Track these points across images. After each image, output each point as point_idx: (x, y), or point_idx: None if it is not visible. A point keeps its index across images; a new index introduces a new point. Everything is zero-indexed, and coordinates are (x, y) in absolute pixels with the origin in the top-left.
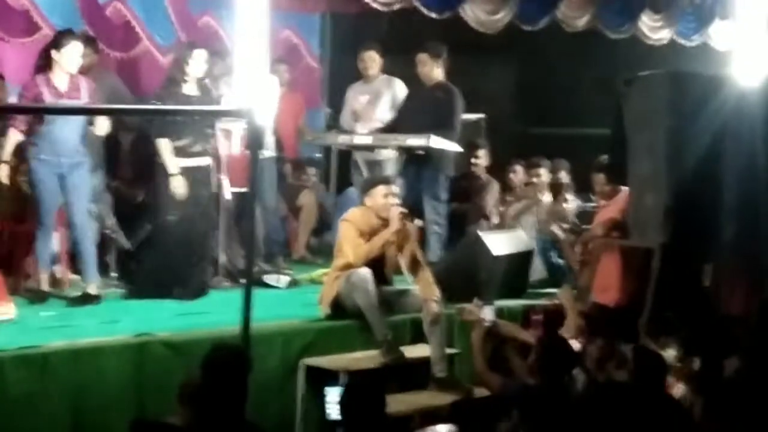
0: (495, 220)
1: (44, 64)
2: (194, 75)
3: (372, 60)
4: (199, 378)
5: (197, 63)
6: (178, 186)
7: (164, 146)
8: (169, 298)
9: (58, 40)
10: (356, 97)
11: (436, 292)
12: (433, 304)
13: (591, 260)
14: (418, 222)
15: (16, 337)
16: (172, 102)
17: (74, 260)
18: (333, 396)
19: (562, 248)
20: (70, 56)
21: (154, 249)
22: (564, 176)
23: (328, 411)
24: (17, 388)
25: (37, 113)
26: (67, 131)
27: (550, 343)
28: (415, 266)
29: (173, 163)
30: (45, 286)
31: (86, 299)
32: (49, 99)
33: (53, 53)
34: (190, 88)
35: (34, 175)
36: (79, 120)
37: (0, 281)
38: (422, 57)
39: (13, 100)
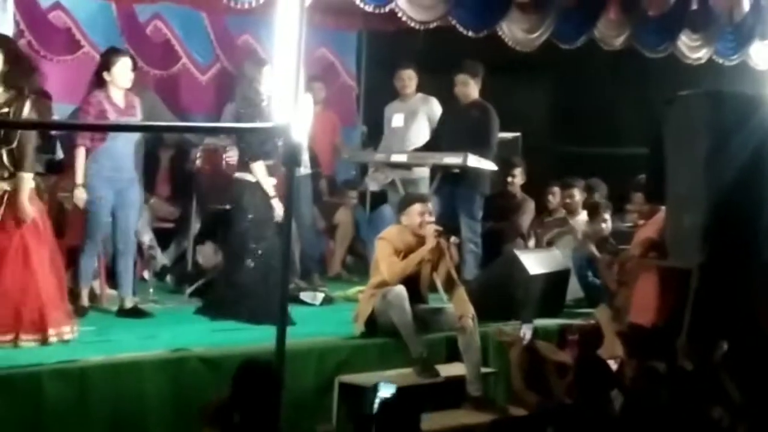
0: (531, 240)
1: (98, 84)
2: (268, 93)
3: (409, 78)
4: (224, 397)
5: (267, 80)
6: (278, 207)
7: (259, 169)
8: (251, 322)
9: (107, 60)
10: (393, 115)
11: (470, 310)
12: (469, 322)
13: (628, 280)
14: (454, 239)
15: (54, 351)
16: (256, 120)
17: (112, 275)
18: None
19: (598, 268)
20: (122, 72)
21: (243, 272)
22: (598, 196)
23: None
24: (55, 402)
25: (94, 131)
26: (125, 148)
27: (588, 363)
28: (449, 284)
29: (270, 185)
30: (85, 302)
31: (133, 312)
32: (112, 116)
33: (105, 74)
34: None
35: (93, 191)
36: (135, 136)
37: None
38: (461, 77)
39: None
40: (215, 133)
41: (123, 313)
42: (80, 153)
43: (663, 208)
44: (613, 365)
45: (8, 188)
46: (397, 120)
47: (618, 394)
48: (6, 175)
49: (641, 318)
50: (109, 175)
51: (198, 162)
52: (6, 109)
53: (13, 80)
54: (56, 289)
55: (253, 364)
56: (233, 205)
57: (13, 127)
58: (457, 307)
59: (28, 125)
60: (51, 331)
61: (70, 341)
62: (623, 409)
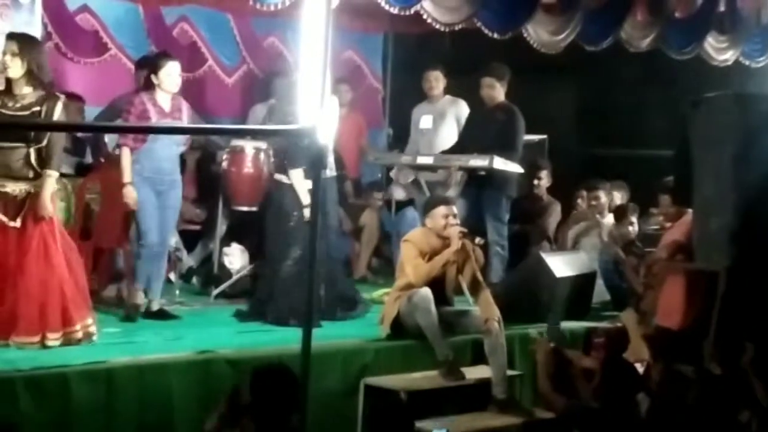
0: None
1: (146, 86)
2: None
3: (436, 80)
4: (239, 398)
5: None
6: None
7: (297, 176)
8: (287, 325)
9: (155, 64)
10: (421, 117)
11: (496, 313)
12: (494, 325)
13: (655, 283)
14: (479, 240)
15: (81, 352)
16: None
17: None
18: None
19: (625, 271)
20: (169, 76)
21: (281, 277)
22: (617, 197)
23: None
24: (82, 403)
25: (136, 133)
26: (168, 150)
27: (615, 366)
28: (475, 286)
29: (305, 192)
30: (139, 301)
31: (160, 315)
32: (154, 118)
33: (153, 78)
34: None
35: (137, 193)
36: (177, 139)
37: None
38: (487, 80)
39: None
40: (241, 134)
41: (150, 315)
42: (125, 153)
43: (690, 210)
44: (640, 368)
45: (31, 189)
46: (425, 122)
47: (645, 397)
48: (31, 174)
49: (668, 321)
50: (150, 176)
51: (224, 164)
52: (37, 108)
53: (39, 80)
54: (78, 287)
55: (270, 368)
56: (270, 206)
57: (39, 129)
58: (483, 310)
59: (55, 127)
60: (77, 326)
61: (95, 340)
62: (650, 412)
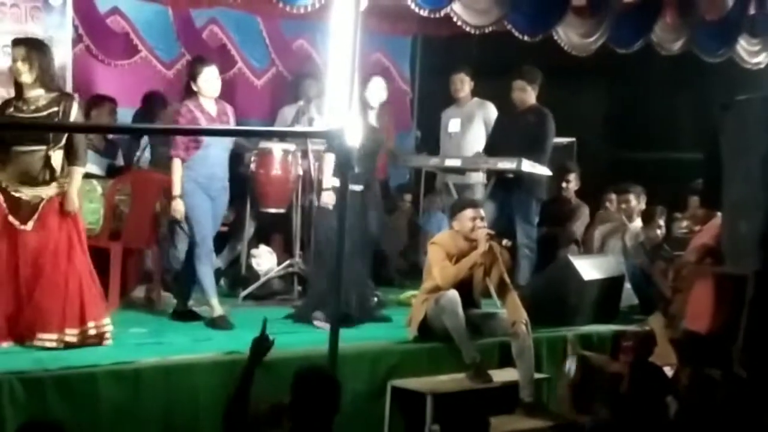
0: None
1: (188, 94)
2: (372, 102)
3: (461, 82)
4: (279, 401)
5: (375, 90)
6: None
7: (329, 161)
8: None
9: (192, 70)
10: (449, 120)
11: (524, 316)
12: (522, 328)
13: (684, 287)
14: (506, 242)
15: (109, 352)
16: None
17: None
18: None
19: (653, 274)
20: (208, 82)
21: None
22: (632, 199)
23: None
24: (110, 402)
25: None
26: (220, 155)
27: (642, 369)
28: (502, 289)
29: (330, 178)
30: (219, 312)
31: (218, 322)
32: (204, 124)
33: (192, 85)
34: (371, 117)
35: (190, 198)
36: (228, 144)
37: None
38: (518, 83)
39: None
40: (270, 136)
41: (177, 315)
42: (176, 164)
43: (719, 213)
44: (668, 372)
45: (50, 193)
46: (453, 125)
47: (673, 400)
48: (50, 177)
49: (696, 325)
50: (203, 182)
51: (252, 166)
52: (54, 109)
53: (50, 82)
54: (96, 287)
55: (313, 371)
56: (319, 209)
57: (56, 130)
58: (510, 313)
59: (70, 128)
60: (92, 324)
61: (108, 342)
62: (678, 415)
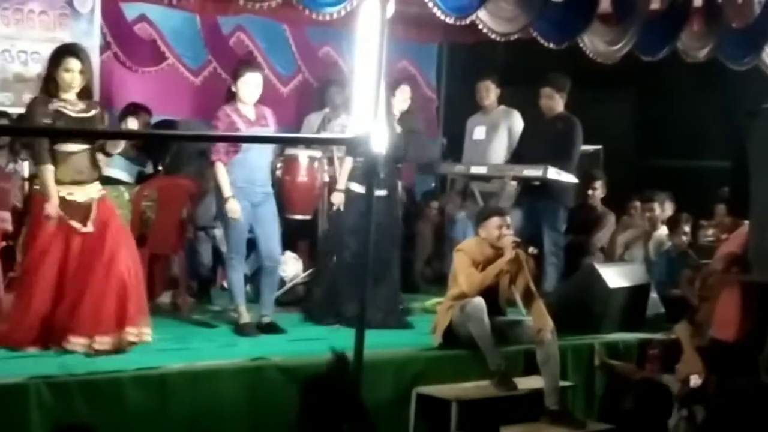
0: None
1: (228, 96)
2: (396, 110)
3: (487, 90)
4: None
5: (401, 97)
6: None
7: (347, 164)
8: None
9: (236, 70)
10: (474, 128)
11: (550, 324)
12: (547, 336)
13: (710, 295)
14: (532, 250)
15: (134, 358)
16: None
17: (198, 283)
18: None
19: (679, 283)
20: (248, 86)
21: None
22: (656, 207)
23: None
24: (135, 408)
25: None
26: (261, 159)
27: (648, 388)
28: (528, 297)
29: (344, 180)
30: (246, 318)
31: (272, 328)
32: (242, 128)
33: (233, 87)
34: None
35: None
36: (269, 149)
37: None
38: (546, 90)
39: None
40: (296, 143)
41: (261, 329)
42: (219, 167)
43: (746, 222)
44: (696, 381)
45: (101, 193)
46: (478, 133)
47: (700, 409)
48: (98, 176)
49: (723, 333)
50: (243, 187)
51: (278, 172)
52: (94, 112)
53: (90, 93)
54: (139, 292)
55: (320, 379)
56: (340, 213)
57: (102, 137)
58: (536, 320)
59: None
60: (133, 330)
61: (147, 345)
62: (705, 424)
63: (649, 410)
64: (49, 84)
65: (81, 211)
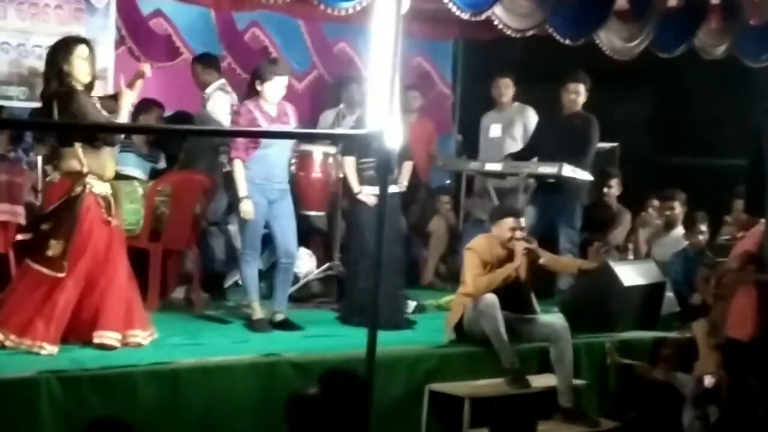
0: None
1: (250, 93)
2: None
3: (506, 87)
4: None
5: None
6: (367, 199)
7: (349, 165)
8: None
9: (263, 74)
10: (490, 125)
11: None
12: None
13: (726, 294)
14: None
15: (147, 353)
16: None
17: (210, 280)
18: None
19: (695, 281)
20: (275, 90)
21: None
22: (677, 206)
23: None
24: (149, 402)
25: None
26: (280, 156)
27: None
28: (552, 263)
29: (356, 183)
30: (259, 315)
31: (286, 325)
32: (264, 125)
33: (257, 84)
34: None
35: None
36: (289, 145)
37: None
38: (576, 86)
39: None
40: (310, 139)
41: (275, 325)
42: (237, 165)
43: (762, 220)
44: (710, 380)
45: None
46: (494, 130)
47: (714, 409)
48: (112, 173)
49: (738, 332)
50: (261, 183)
51: (293, 168)
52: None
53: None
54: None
55: (341, 374)
56: (350, 210)
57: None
58: (569, 265)
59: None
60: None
61: (160, 340)
62: (719, 423)
63: (659, 411)
64: (62, 77)
65: (107, 204)
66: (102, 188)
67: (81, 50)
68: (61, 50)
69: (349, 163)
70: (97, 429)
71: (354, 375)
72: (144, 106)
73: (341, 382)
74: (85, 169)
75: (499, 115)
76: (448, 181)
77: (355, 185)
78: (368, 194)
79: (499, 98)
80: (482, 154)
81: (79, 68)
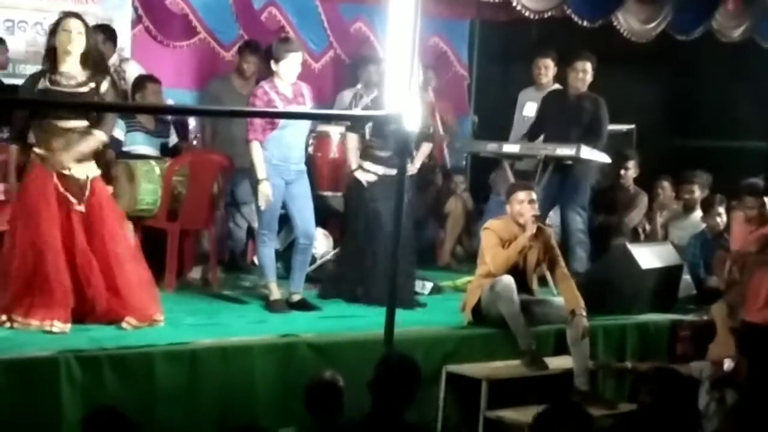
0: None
1: (266, 74)
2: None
3: (546, 68)
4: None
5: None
6: (362, 177)
7: (351, 140)
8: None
9: (277, 53)
10: (526, 103)
11: (581, 303)
12: (583, 320)
13: (743, 277)
14: (550, 230)
15: (165, 333)
16: None
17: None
18: None
19: (712, 264)
20: (290, 67)
21: (355, 255)
22: (696, 189)
23: None
24: (167, 382)
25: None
26: (297, 137)
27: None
28: (559, 277)
29: (354, 160)
30: (276, 295)
31: (300, 306)
32: (280, 106)
33: (272, 64)
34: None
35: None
36: (306, 126)
37: (155, 292)
38: (583, 64)
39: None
40: (328, 119)
41: (292, 306)
42: (256, 147)
43: None
44: (729, 364)
45: (99, 171)
46: (528, 109)
47: (732, 392)
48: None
49: (754, 316)
50: (278, 164)
51: (310, 149)
52: (92, 85)
53: (92, 62)
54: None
55: (397, 355)
56: (357, 192)
57: (99, 109)
58: (568, 301)
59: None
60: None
61: (178, 320)
62: (736, 406)
63: (667, 399)
64: (49, 54)
65: (76, 187)
66: (69, 169)
67: (67, 24)
68: (52, 27)
69: (352, 139)
70: (94, 419)
71: (400, 356)
72: (139, 83)
73: (396, 365)
74: (37, 145)
75: (536, 93)
76: (464, 163)
77: (353, 161)
78: (365, 171)
79: (538, 78)
80: (515, 131)
81: (63, 41)
